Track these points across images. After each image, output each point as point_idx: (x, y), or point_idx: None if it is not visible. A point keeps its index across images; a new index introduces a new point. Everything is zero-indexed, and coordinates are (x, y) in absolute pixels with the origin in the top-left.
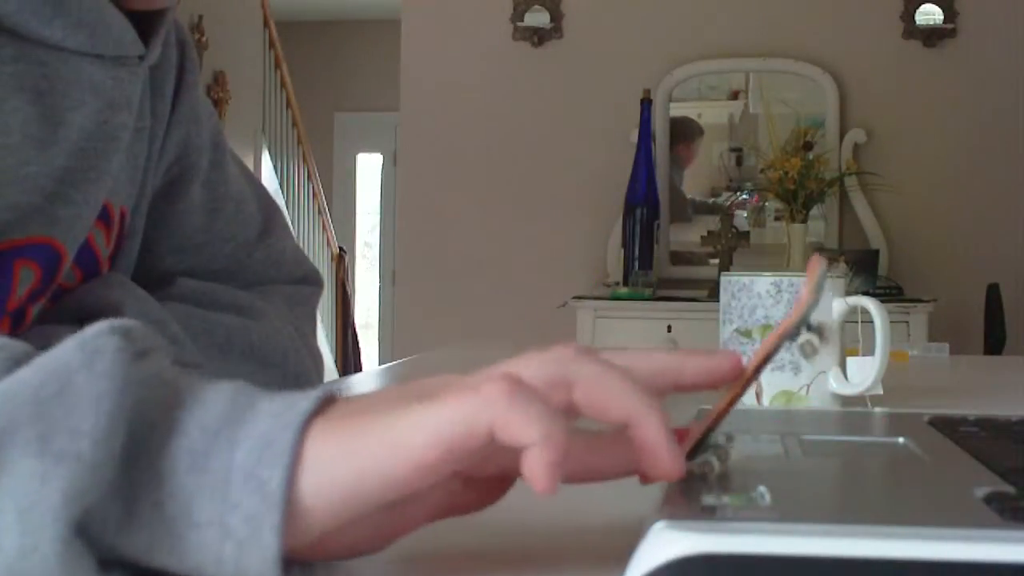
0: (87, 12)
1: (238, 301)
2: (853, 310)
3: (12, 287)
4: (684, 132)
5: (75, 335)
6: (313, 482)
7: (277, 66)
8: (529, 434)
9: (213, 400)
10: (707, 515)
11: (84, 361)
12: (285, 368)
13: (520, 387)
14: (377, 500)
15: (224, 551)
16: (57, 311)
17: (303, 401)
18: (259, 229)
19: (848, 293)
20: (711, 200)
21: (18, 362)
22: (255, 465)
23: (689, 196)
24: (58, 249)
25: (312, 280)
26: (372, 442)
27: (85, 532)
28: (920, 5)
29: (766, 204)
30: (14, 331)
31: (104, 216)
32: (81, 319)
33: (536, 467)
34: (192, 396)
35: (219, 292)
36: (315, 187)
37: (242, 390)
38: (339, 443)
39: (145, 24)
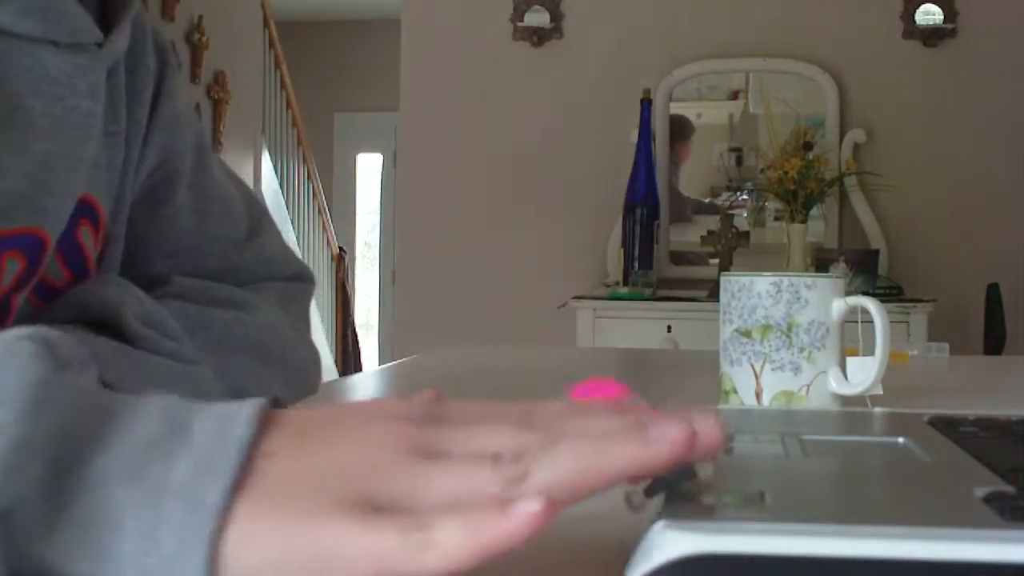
0: None
1: (234, 297)
2: (853, 310)
3: None
4: (678, 130)
5: None
6: (237, 552)
7: (277, 66)
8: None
9: (146, 415)
10: (707, 515)
11: None
12: (285, 363)
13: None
14: None
15: (149, 564)
16: (54, 311)
17: (238, 428)
18: (248, 229)
19: (848, 293)
20: (710, 200)
21: None
22: (191, 482)
23: (689, 196)
24: (43, 238)
25: (304, 277)
26: (304, 551)
27: (5, 529)
28: (920, 5)
29: (766, 204)
30: (0, 322)
31: (91, 214)
32: (79, 319)
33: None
34: (123, 409)
35: (215, 289)
36: (315, 187)
37: (176, 406)
38: (269, 534)
39: (109, 13)
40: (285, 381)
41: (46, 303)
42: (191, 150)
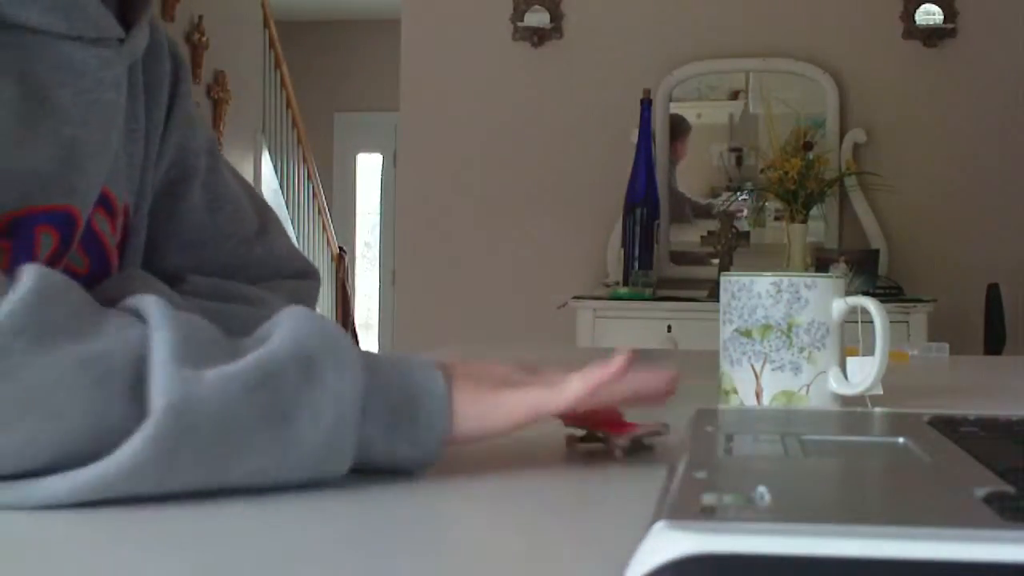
0: None
1: (247, 294)
2: (853, 310)
3: (35, 251)
4: (674, 129)
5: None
6: (456, 424)
7: (277, 66)
8: (576, 391)
9: (392, 368)
10: (707, 515)
11: (329, 340)
12: None
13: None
14: (495, 436)
15: (423, 434)
16: None
17: (432, 364)
18: (256, 228)
19: (848, 293)
20: (709, 201)
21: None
22: (429, 387)
23: (689, 196)
24: (75, 215)
25: (310, 274)
26: (491, 407)
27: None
28: (920, 5)
29: (766, 204)
30: None
31: (106, 204)
32: None
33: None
34: (393, 365)
35: (228, 286)
36: (315, 187)
37: (398, 361)
38: (475, 407)
39: (128, 12)
40: None
41: None
42: (204, 151)
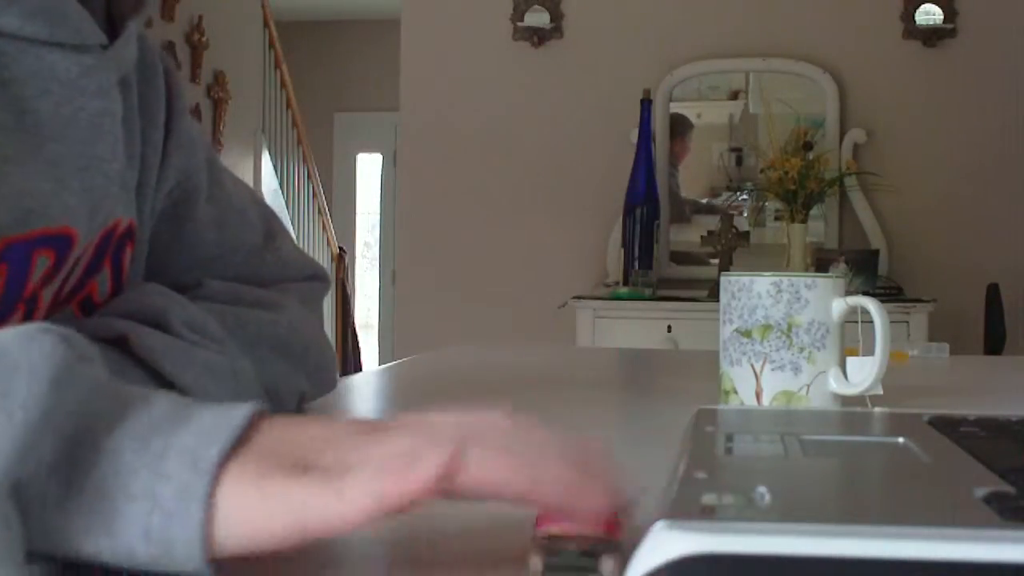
0: (42, 1)
1: (263, 298)
2: (853, 310)
3: (29, 275)
4: (675, 128)
5: (13, 327)
6: (224, 523)
7: (277, 66)
8: None
9: (156, 402)
10: (707, 515)
11: (22, 345)
12: (306, 360)
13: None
14: (280, 547)
15: (152, 522)
16: (102, 318)
17: (238, 413)
18: (263, 234)
19: (848, 293)
20: (708, 200)
21: None
22: (194, 446)
23: (688, 196)
24: (71, 235)
25: (320, 276)
26: (279, 511)
27: (18, 503)
28: (920, 5)
29: (766, 204)
30: (29, 316)
31: (132, 236)
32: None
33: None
34: (136, 395)
35: (244, 291)
36: (315, 187)
37: (181, 399)
38: (254, 493)
39: (115, 21)
40: (307, 377)
41: (87, 313)
42: (204, 165)
